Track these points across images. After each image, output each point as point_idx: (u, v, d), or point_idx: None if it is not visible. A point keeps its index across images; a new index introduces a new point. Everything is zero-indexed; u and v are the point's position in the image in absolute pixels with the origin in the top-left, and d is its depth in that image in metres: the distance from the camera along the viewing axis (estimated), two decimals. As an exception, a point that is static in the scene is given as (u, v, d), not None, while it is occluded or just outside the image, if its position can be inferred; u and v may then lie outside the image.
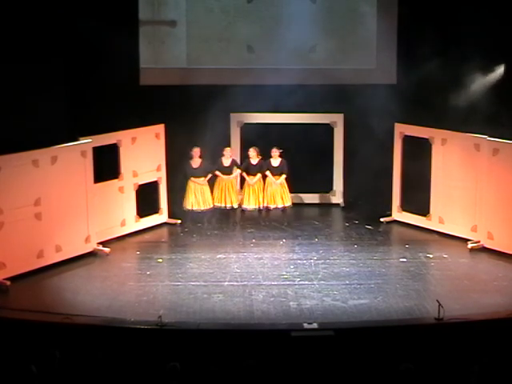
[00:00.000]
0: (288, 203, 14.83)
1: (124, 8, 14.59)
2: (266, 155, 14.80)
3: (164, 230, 14.73)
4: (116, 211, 14.04)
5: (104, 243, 13.61)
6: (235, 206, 14.85)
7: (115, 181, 14.03)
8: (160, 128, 14.58)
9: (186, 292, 11.86)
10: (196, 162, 14.58)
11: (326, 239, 14.17)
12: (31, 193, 12.42)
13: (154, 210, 14.77)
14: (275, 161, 14.70)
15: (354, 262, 13.02)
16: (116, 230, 14.04)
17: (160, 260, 13.20)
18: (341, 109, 15.49)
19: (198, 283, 12.18)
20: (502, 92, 14.85)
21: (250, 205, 14.81)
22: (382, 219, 14.92)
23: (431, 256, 13.34)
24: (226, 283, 12.21)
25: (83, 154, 13.16)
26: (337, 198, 15.96)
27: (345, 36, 15.37)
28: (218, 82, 15.13)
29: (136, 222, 14.41)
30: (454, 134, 13.92)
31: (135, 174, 14.28)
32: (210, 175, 14.66)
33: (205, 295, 11.73)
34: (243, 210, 14.92)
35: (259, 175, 14.73)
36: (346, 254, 13.40)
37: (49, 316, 10.81)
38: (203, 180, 14.60)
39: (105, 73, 14.18)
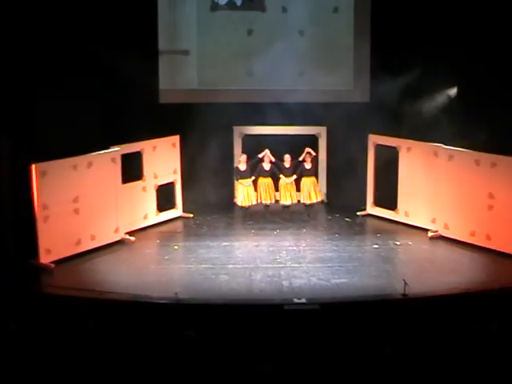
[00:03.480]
0: (320, 198, 14.98)
1: (146, 41, 14.60)
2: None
3: (179, 223, 14.70)
4: (140, 207, 14.04)
5: (130, 233, 13.63)
6: (273, 202, 14.85)
7: (139, 182, 14.04)
8: (176, 138, 14.59)
9: (198, 273, 11.89)
10: (243, 166, 14.61)
11: (312, 230, 14.19)
12: (71, 192, 12.47)
13: (171, 205, 14.79)
14: (308, 165, 14.76)
15: (335, 248, 13.05)
16: (140, 222, 14.05)
17: (176, 247, 13.24)
18: (324, 122, 15.47)
19: (207, 266, 12.20)
20: (463, 107, 14.63)
21: (287, 201, 14.84)
22: (358, 213, 14.93)
23: (398, 243, 13.36)
24: (230, 266, 12.23)
25: (113, 160, 13.20)
26: (321, 195, 15.92)
27: (327, 62, 15.32)
28: (224, 100, 15.10)
29: (156, 215, 14.42)
30: (417, 143, 13.92)
31: (155, 176, 14.29)
32: (253, 177, 14.66)
33: (213, 276, 11.76)
34: (285, 206, 14.88)
35: (294, 176, 14.79)
36: (328, 241, 13.42)
37: (85, 292, 10.89)
38: (248, 181, 14.63)
39: (131, 93, 14.17)
